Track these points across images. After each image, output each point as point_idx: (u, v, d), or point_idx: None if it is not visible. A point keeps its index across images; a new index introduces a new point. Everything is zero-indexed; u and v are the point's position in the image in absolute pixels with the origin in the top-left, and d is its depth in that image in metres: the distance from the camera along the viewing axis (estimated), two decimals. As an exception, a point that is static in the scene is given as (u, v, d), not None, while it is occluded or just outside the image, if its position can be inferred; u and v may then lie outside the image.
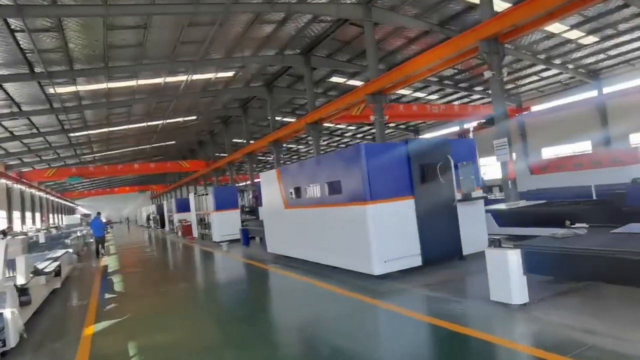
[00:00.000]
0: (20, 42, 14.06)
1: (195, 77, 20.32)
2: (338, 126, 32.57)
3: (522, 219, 9.27)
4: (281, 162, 25.08)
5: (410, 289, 6.81)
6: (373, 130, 34.11)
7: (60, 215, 57.58)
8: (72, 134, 26.38)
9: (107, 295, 9.21)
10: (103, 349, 5.61)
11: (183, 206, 25.12)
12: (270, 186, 11.03)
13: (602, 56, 20.55)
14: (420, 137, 33.87)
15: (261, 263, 11.04)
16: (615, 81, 22.70)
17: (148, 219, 41.99)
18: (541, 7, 10.17)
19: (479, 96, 26.32)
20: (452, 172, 7.73)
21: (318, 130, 20.98)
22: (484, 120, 23.61)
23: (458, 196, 7.83)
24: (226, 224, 16.79)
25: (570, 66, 21.49)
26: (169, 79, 19.98)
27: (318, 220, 8.73)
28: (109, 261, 15.63)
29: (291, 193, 9.93)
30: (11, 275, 7.12)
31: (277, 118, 25.46)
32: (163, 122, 27.82)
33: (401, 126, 34.06)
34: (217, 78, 21.36)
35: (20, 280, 6.58)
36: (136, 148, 36.24)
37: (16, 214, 32.94)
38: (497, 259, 5.33)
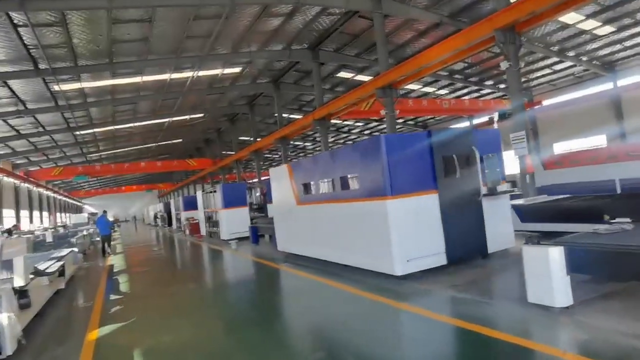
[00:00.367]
0: (24, 38, 13.65)
1: (202, 73, 19.85)
2: (345, 122, 32.01)
3: (547, 215, 8.73)
4: (288, 159, 24.57)
5: (436, 290, 6.29)
6: (381, 127, 33.65)
7: (67, 214, 57.46)
8: (77, 132, 26.03)
9: (112, 297, 8.76)
10: (107, 356, 5.15)
11: (190, 204, 24.72)
12: (281, 182, 10.53)
13: (617, 47, 19.84)
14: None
15: (272, 262, 10.56)
16: (631, 73, 21.95)
17: (155, 217, 41.70)
18: (561, -7, 9.61)
19: (489, 90, 25.66)
20: (477, 165, 7.19)
21: (326, 126, 20.46)
22: (496, 115, 23.03)
23: (483, 190, 7.29)
24: (235, 222, 16.32)
25: (585, 58, 20.81)
26: (175, 75, 19.52)
27: (332, 217, 8.22)
28: (115, 260, 15.21)
29: (303, 189, 9.42)
30: (9, 277, 6.68)
31: (284, 115, 24.95)
32: (169, 120, 27.42)
33: (410, 122, 33.42)
34: (223, 74, 20.88)
35: (19, 282, 6.13)
36: (142, 146, 35.88)
37: (24, 213, 32.69)
38: (536, 257, 4.80)
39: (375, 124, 32.51)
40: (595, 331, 4.20)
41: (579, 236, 5.16)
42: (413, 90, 25.17)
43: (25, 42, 13.91)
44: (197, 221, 22.15)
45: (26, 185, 31.34)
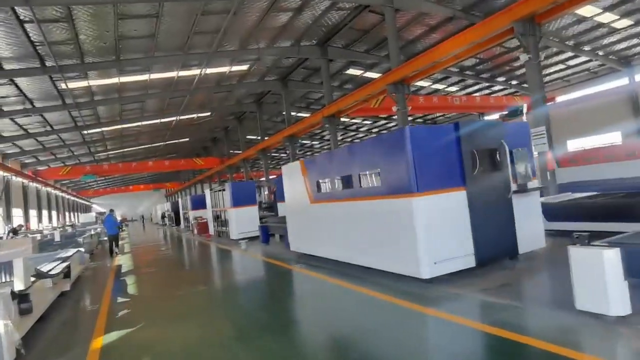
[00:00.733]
0: (30, 34, 13.26)
1: (209, 70, 19.39)
2: (353, 120, 31.48)
3: (576, 213, 8.16)
4: (296, 158, 24.08)
5: (466, 294, 5.75)
6: (389, 125, 33.07)
7: (76, 214, 57.32)
8: (85, 131, 25.68)
9: (119, 299, 8.29)
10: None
11: (198, 203, 24.28)
12: (294, 180, 10.01)
13: (635, 41, 19.17)
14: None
15: (284, 262, 10.04)
16: (648, 68, 21.31)
17: (163, 216, 41.35)
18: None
19: (500, 87, 25.04)
20: (506, 160, 6.64)
21: (335, 124, 19.94)
22: (506, 112, 22.41)
23: (514, 187, 6.74)
24: (244, 221, 15.82)
25: (601, 52, 20.14)
26: (182, 73, 19.08)
27: (350, 216, 7.69)
28: (123, 260, 14.78)
29: (318, 186, 8.90)
30: (8, 280, 6.23)
31: (291, 113, 24.46)
32: (177, 119, 27.03)
33: (419, 119, 32.82)
34: (231, 72, 20.42)
35: (19, 286, 5.66)
36: (150, 145, 35.55)
37: (33, 212, 32.43)
38: (587, 260, 4.26)
39: (383, 121, 31.94)
40: (661, 344, 3.66)
41: (635, 236, 4.61)
42: (423, 87, 24.60)
43: (32, 38, 13.53)
44: (205, 220, 21.69)
45: (35, 184, 31.04)
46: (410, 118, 30.66)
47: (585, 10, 15.61)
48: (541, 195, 8.47)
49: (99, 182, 53.82)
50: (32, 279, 6.55)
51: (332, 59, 19.40)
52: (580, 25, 17.08)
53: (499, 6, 14.60)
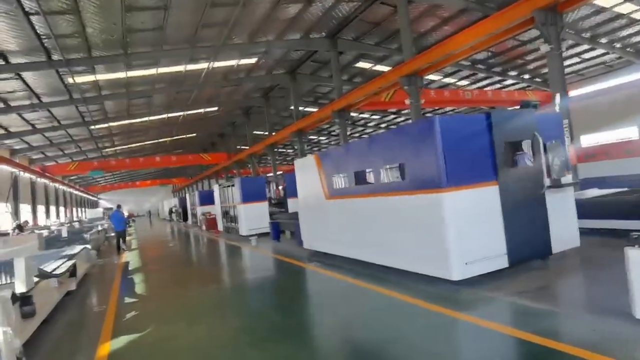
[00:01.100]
0: (36, 26, 12.79)
1: (217, 64, 18.90)
2: (361, 115, 30.92)
3: (609, 210, 7.63)
4: (304, 153, 23.58)
5: (500, 297, 5.27)
6: (398, 119, 32.43)
7: (83, 209, 57.21)
8: (92, 127, 25.30)
9: (127, 300, 7.87)
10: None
11: (207, 198, 23.88)
12: (307, 174, 9.52)
13: (654, 33, 18.47)
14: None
15: (297, 261, 9.57)
16: (667, 61, 20.52)
17: (170, 212, 41.06)
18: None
19: (512, 81, 24.37)
20: (540, 153, 6.11)
21: (345, 118, 19.41)
22: (519, 107, 21.76)
23: (547, 182, 6.22)
24: (254, 217, 15.37)
25: (618, 45, 19.42)
26: (190, 67, 18.61)
27: (370, 213, 7.20)
28: (130, 257, 14.39)
29: (334, 182, 8.40)
30: (9, 281, 5.81)
31: (299, 108, 23.95)
32: (184, 114, 26.60)
33: (428, 113, 32.15)
34: (239, 65, 19.92)
35: (21, 287, 5.23)
36: (157, 141, 35.18)
37: (40, 208, 32.18)
38: (649, 263, 3.76)
39: (392, 116, 31.34)
40: None
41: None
42: (433, 81, 23.99)
43: (38, 31, 13.07)
44: (214, 216, 21.28)
45: (42, 180, 30.77)
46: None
47: (606, 0, 14.98)
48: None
49: (106, 177, 53.62)
50: (36, 279, 6.13)
51: (342, 51, 18.87)
52: (598, 16, 16.44)
53: (515, -3, 14.01)
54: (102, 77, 17.82)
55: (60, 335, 5.90)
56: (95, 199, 66.05)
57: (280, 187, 22.59)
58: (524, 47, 19.51)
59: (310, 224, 9.79)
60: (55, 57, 14.76)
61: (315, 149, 41.63)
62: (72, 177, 43.42)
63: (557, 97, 9.46)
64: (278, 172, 27.46)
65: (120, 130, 28.82)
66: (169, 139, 34.61)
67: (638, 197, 7.59)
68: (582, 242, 6.69)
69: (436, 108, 27.06)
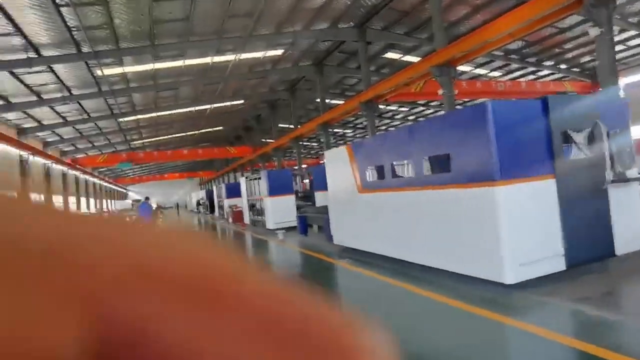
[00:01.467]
0: (66, 18, 12.72)
1: (244, 56, 18.56)
2: (389, 108, 30.15)
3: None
4: (329, 146, 23.10)
5: (559, 304, 4.68)
6: (427, 112, 31.50)
7: (113, 201, 58.37)
8: (121, 119, 25.48)
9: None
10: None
11: (233, 191, 23.71)
12: (338, 166, 9.02)
13: None
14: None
15: (327, 256, 9.11)
16: None
17: (198, 204, 41.34)
18: None
19: (547, 72, 23.18)
20: (603, 143, 5.45)
21: (373, 110, 18.77)
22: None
23: (610, 176, 5.55)
24: (281, 210, 14.99)
25: (668, 32, 18.16)
26: (217, 59, 18.35)
27: (409, 207, 6.66)
28: (158, 249, 14.25)
29: (367, 174, 7.89)
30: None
31: (325, 100, 23.43)
32: (210, 107, 26.49)
33: (458, 105, 31.10)
34: (265, 57, 19.55)
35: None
36: (184, 134, 35.34)
37: (72, 199, 32.81)
38: None
39: (421, 108, 30.44)
40: None
41: None
42: (464, 72, 23.04)
43: (68, 23, 12.99)
44: (240, 209, 21.06)
45: (73, 172, 31.31)
46: (440, 104, 29.14)
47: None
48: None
49: (134, 169, 54.50)
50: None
51: (370, 41, 18.23)
52: (646, 0, 15.30)
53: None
54: (129, 69, 17.75)
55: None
56: (125, 190, 67.34)
57: (306, 180, 22.22)
58: (562, 34, 18.42)
59: (341, 219, 9.29)
60: (84, 49, 14.72)
61: (341, 142, 41.03)
62: (101, 169, 44.21)
63: (622, 84, 8.63)
64: (303, 166, 27.07)
65: (148, 122, 28.97)
66: (196, 132, 34.70)
67: None
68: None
69: (466, 100, 26.05)
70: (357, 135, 39.79)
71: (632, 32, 17.98)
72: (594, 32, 9.54)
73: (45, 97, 19.18)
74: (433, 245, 6.20)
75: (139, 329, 0.16)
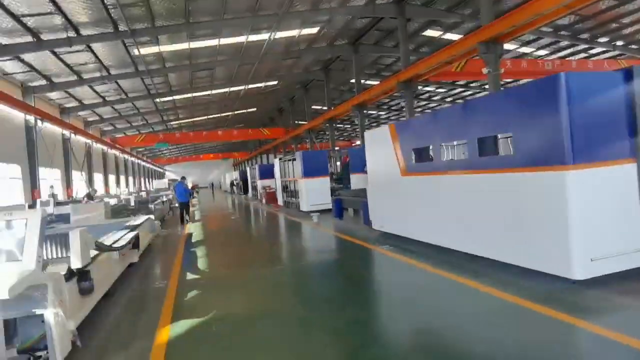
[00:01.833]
0: (103, -4, 12.59)
1: (278, 34, 18.05)
2: (426, 88, 29.05)
3: None
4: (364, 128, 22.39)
5: (636, 305, 4.08)
6: (466, 93, 30.19)
7: (150, 180, 59.79)
8: (157, 99, 25.65)
9: (189, 276, 7.37)
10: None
11: (266, 172, 23.54)
12: (379, 147, 8.48)
13: None
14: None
15: (365, 242, 8.64)
16: None
17: (232, 184, 41.66)
18: None
19: (601, 49, 21.50)
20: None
21: (412, 89, 17.93)
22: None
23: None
24: (316, 193, 14.59)
25: None
26: (252, 37, 17.93)
27: (461, 193, 6.08)
28: (193, 229, 14.21)
29: (413, 155, 7.32)
30: (65, 255, 5.37)
31: (360, 81, 22.65)
32: (245, 88, 26.25)
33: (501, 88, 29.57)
34: (300, 36, 18.97)
35: (76, 263, 4.74)
36: (219, 115, 35.45)
37: (111, 178, 33.64)
38: None
39: (459, 89, 29.14)
40: None
41: None
42: (508, 51, 21.69)
43: (105, 1, 12.87)
44: (273, 190, 20.85)
45: (113, 151, 32.00)
46: (477, 84, 27.65)
47: None
48: None
49: (171, 150, 55.50)
50: (95, 251, 5.69)
51: (409, 17, 17.31)
52: None
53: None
54: (165, 48, 17.62)
55: (119, 315, 5.43)
56: (162, 170, 68.91)
57: (338, 163, 21.73)
58: (620, 7, 16.86)
59: (382, 203, 8.79)
60: (121, 27, 14.62)
61: (374, 124, 40.13)
62: (139, 149, 45.14)
63: None
64: (336, 148, 26.52)
65: (184, 104, 29.12)
66: (231, 113, 34.71)
67: None
68: None
69: (509, 81, 24.61)
70: (391, 117, 38.77)
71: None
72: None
73: (85, 76, 19.42)
74: (487, 234, 5.62)
75: None
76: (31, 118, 18.01)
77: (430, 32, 19.65)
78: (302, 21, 17.23)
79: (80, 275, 4.89)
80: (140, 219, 10.23)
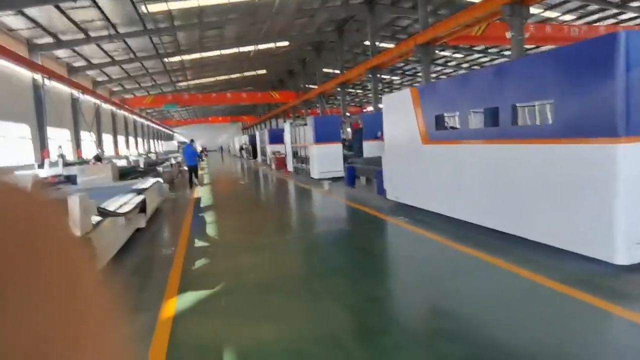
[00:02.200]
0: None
1: (292, -10, 17.14)
2: (442, 53, 27.85)
3: None
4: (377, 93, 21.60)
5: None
6: (483, 59, 28.97)
7: (159, 142, 59.52)
8: (166, 59, 24.90)
9: (197, 243, 7.09)
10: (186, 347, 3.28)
11: (276, 137, 23.01)
12: (398, 113, 7.94)
13: None
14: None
15: (379, 212, 8.26)
16: None
17: (241, 149, 41.25)
18: None
19: (634, 14, 20.18)
20: None
21: (429, 53, 17.09)
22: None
23: None
24: (327, 159, 14.12)
25: None
26: (263, -6, 17.04)
27: (489, 164, 5.61)
28: (202, 193, 13.93)
29: (436, 122, 6.78)
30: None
31: (375, 43, 21.65)
32: (255, 48, 25.32)
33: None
34: (314, -8, 18.00)
35: (75, 231, 4.41)
36: (228, 77, 34.58)
37: (120, 139, 33.34)
38: None
39: (477, 55, 27.92)
40: None
41: None
42: (532, 15, 20.46)
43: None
44: (283, 156, 20.42)
45: (122, 112, 31.53)
46: (495, 49, 26.38)
47: None
48: None
49: (180, 111, 54.82)
50: (98, 218, 5.39)
51: (431, -25, 16.23)
52: None
53: None
54: (174, 5, 16.78)
55: (124, 284, 5.16)
56: (171, 132, 68.49)
57: (349, 129, 21.11)
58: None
59: (398, 172, 8.33)
60: (128, -20, 13.86)
61: (387, 89, 38.98)
62: (148, 110, 44.61)
63: None
64: (347, 113, 25.79)
65: (193, 64, 28.31)
66: (240, 74, 33.81)
67: None
68: None
69: (530, 47, 23.40)
70: (405, 83, 37.59)
71: None
72: None
73: (92, 34, 18.72)
74: (518, 210, 5.19)
75: None
76: (38, 77, 17.50)
77: (451, -8, 18.55)
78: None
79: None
80: (148, 181, 9.92)
